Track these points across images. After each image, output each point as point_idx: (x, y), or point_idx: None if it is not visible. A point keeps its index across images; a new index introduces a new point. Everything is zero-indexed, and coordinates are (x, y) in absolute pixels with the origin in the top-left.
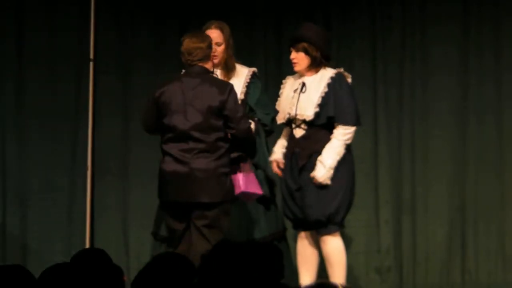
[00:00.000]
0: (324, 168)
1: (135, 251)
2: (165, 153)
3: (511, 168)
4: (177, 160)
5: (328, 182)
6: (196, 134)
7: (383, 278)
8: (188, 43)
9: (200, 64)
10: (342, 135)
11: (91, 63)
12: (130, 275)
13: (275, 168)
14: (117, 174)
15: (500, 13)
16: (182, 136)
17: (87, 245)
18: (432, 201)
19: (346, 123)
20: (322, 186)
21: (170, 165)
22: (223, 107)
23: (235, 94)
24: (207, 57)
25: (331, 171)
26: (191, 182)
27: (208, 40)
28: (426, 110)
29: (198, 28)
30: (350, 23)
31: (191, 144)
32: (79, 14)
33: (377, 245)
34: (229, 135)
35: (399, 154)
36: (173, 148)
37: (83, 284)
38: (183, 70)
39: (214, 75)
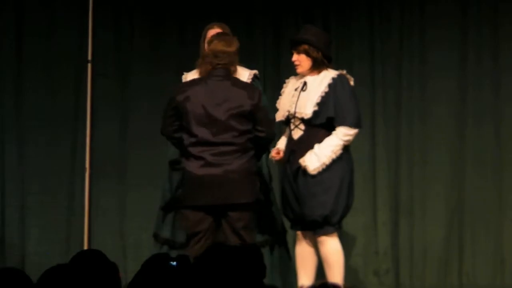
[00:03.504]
0: (318, 161)
1: (132, 253)
2: (193, 157)
3: (509, 170)
4: (209, 163)
5: (315, 173)
6: (228, 137)
7: (381, 280)
8: (216, 45)
9: (225, 67)
10: (343, 135)
11: (89, 65)
12: (127, 278)
13: (273, 154)
14: (114, 176)
15: (498, 16)
16: (213, 139)
17: (85, 247)
18: (430, 203)
19: (348, 125)
20: (318, 187)
21: (201, 169)
22: (255, 110)
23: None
24: (233, 63)
25: (324, 167)
26: (226, 184)
27: (237, 45)
28: (425, 112)
29: (197, 30)
30: (349, 25)
31: (223, 147)
32: (78, 16)
33: (375, 247)
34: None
35: (397, 156)
36: (204, 151)
37: (81, 284)
38: (184, 73)
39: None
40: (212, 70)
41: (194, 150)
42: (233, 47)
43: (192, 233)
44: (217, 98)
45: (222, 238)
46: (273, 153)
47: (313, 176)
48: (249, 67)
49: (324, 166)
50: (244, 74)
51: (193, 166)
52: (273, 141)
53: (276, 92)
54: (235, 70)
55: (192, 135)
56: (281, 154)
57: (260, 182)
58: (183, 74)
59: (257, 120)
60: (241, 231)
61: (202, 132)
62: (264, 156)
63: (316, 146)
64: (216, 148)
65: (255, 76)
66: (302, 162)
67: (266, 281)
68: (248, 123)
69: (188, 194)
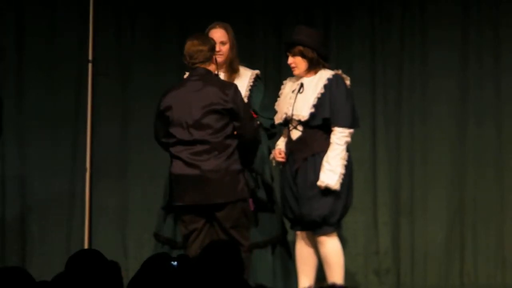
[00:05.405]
0: (335, 174)
1: (133, 253)
2: (174, 157)
3: (510, 170)
4: (187, 163)
5: (339, 186)
6: (203, 135)
7: (381, 280)
8: (189, 46)
9: (202, 66)
10: (340, 138)
11: (90, 65)
12: (128, 277)
13: (276, 155)
14: (115, 175)
15: (499, 16)
16: (190, 139)
17: (86, 247)
18: (431, 203)
19: (341, 125)
20: (317, 188)
21: (180, 169)
22: (228, 106)
23: (240, 93)
24: (209, 59)
25: (342, 176)
26: (204, 184)
27: (210, 43)
28: (425, 112)
29: (198, 30)
30: (350, 25)
31: (200, 146)
32: (79, 16)
33: (376, 247)
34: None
35: (398, 156)
36: (182, 151)
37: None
38: (186, 72)
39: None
40: (190, 70)
41: (174, 150)
42: (207, 45)
43: (188, 233)
44: (191, 97)
45: (216, 238)
46: (275, 153)
47: (313, 177)
48: (250, 67)
49: (342, 176)
50: (247, 74)
51: (173, 166)
52: (252, 139)
53: (277, 92)
54: (237, 69)
55: (171, 136)
56: (283, 155)
57: (259, 180)
58: (185, 74)
59: (233, 115)
60: (230, 231)
61: (179, 132)
62: (266, 155)
63: (325, 162)
64: (192, 148)
65: (257, 76)
66: (321, 183)
67: (267, 282)
68: (223, 120)
69: (173, 194)
